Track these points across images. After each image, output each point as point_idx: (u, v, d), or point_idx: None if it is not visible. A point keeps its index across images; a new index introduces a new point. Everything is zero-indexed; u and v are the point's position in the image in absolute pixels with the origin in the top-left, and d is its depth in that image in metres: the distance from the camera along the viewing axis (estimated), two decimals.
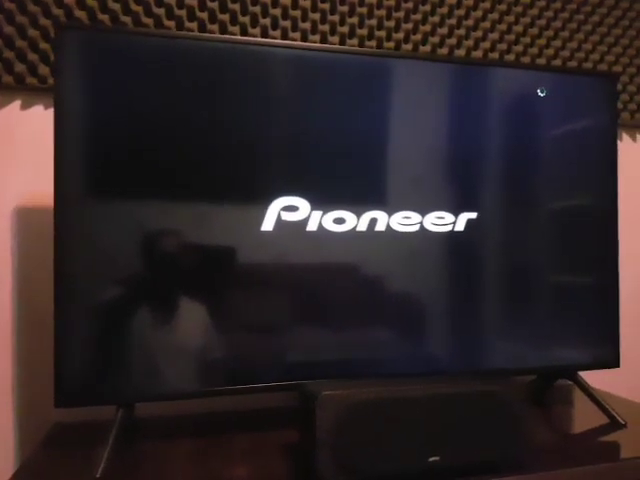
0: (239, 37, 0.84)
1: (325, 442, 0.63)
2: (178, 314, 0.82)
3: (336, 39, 1.11)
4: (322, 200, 0.87)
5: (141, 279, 0.81)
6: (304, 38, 1.09)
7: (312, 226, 0.86)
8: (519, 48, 1.23)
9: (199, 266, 0.83)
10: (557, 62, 1.26)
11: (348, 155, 0.89)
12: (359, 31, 1.13)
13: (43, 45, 0.98)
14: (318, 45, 0.88)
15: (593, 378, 1.02)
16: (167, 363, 0.81)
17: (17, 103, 1.00)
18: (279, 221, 0.85)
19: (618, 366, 1.01)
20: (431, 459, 0.66)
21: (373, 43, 1.14)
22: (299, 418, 0.73)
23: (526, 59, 1.24)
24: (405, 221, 0.91)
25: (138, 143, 0.81)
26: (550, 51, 1.25)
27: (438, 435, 0.67)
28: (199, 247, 0.83)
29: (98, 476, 0.69)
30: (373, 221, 0.89)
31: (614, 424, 0.92)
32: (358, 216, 0.88)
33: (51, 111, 1.01)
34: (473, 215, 0.94)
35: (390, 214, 0.90)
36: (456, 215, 0.93)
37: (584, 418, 0.96)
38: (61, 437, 0.88)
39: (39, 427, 0.98)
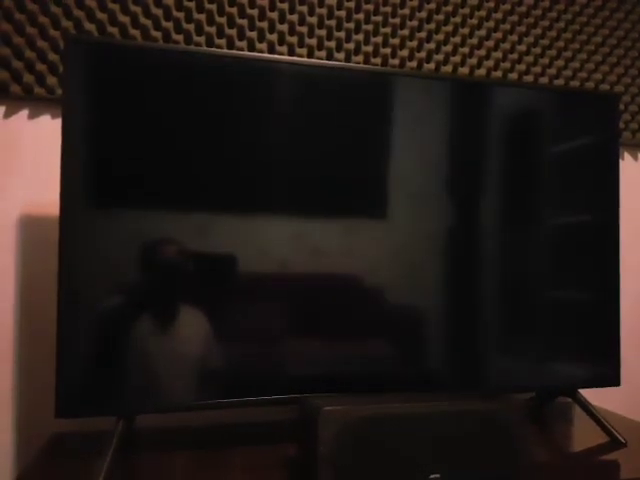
0: (245, 52, 0.85)
1: (327, 458, 0.63)
2: (179, 326, 0.82)
3: (342, 55, 1.13)
4: (321, 212, 0.87)
5: (143, 291, 0.81)
6: (310, 54, 1.11)
7: (314, 238, 0.87)
8: (522, 67, 1.25)
9: (200, 277, 0.83)
10: (559, 81, 1.28)
11: (348, 169, 0.90)
12: (364, 48, 1.14)
13: (52, 56, 0.99)
14: (324, 62, 0.89)
15: (592, 396, 1.02)
16: (168, 375, 0.81)
17: (24, 113, 1.01)
18: (280, 232, 0.85)
19: (619, 384, 1.01)
20: (432, 476, 0.65)
21: (378, 60, 1.15)
22: (299, 433, 0.73)
23: (529, 78, 1.25)
24: (404, 235, 0.91)
25: (143, 154, 0.82)
26: (552, 70, 1.27)
27: (439, 452, 0.67)
28: (201, 258, 0.83)
29: None
30: (372, 234, 0.90)
31: (614, 443, 0.92)
32: (357, 228, 0.89)
33: (58, 121, 1.02)
34: (473, 231, 0.95)
35: (389, 228, 0.90)
36: (455, 231, 0.94)
37: (584, 436, 0.96)
38: (59, 447, 0.88)
39: (38, 437, 0.98)
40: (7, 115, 1.00)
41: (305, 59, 0.88)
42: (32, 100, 1.01)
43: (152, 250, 0.82)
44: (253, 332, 0.86)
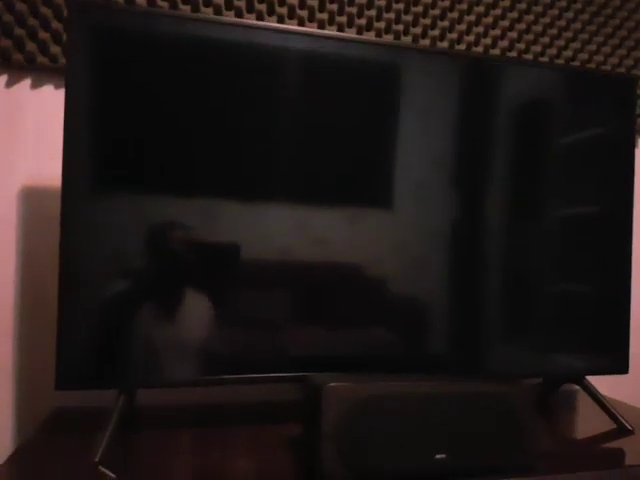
0: (254, 21, 0.83)
1: (330, 436, 0.61)
2: (183, 302, 0.81)
3: (353, 31, 1.10)
4: (327, 197, 0.86)
5: (147, 267, 0.79)
6: (321, 29, 1.08)
7: (318, 226, 0.85)
8: (537, 48, 1.22)
9: (205, 262, 0.82)
10: (575, 64, 1.25)
11: (354, 156, 0.87)
12: (376, 24, 1.11)
13: (55, 24, 0.96)
14: (332, 33, 0.86)
15: (599, 385, 1.00)
16: (170, 350, 0.79)
17: (27, 82, 0.99)
18: (284, 220, 0.84)
19: (627, 372, 1.00)
20: (437, 456, 0.64)
21: (390, 37, 1.12)
22: (302, 411, 0.72)
23: (544, 60, 1.22)
24: (409, 225, 0.89)
25: (148, 132, 0.79)
26: (568, 52, 1.24)
27: (445, 433, 0.65)
28: (206, 246, 0.81)
29: (97, 460, 0.67)
30: (378, 222, 0.88)
31: (621, 430, 0.90)
32: (363, 215, 0.87)
33: (61, 91, 1.00)
34: (480, 222, 0.93)
35: (394, 217, 0.88)
36: (461, 221, 0.92)
37: (590, 423, 0.94)
38: (60, 422, 0.87)
39: (39, 412, 0.98)
40: (9, 84, 0.98)
41: (313, 29, 0.85)
42: (35, 69, 0.99)
43: (158, 233, 0.80)
44: (256, 317, 0.84)
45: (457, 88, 0.93)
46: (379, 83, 0.89)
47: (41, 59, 0.97)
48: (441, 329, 0.91)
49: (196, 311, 0.81)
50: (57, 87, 1.00)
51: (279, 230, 0.83)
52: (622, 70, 1.27)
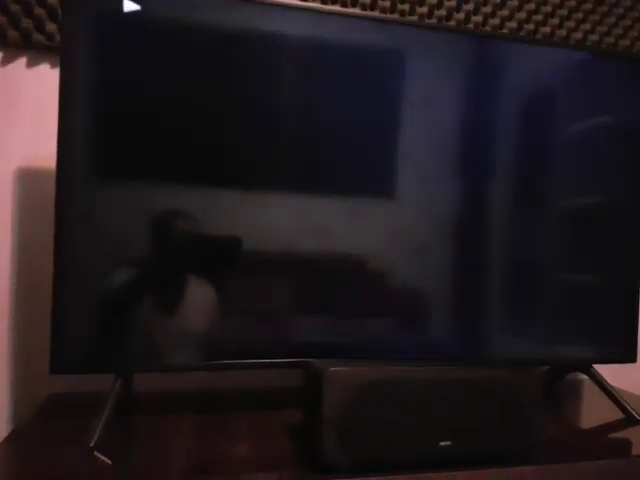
0: None
1: (331, 422, 0.60)
2: (183, 288, 0.79)
3: (357, 10, 1.07)
4: (329, 187, 0.83)
5: (146, 252, 0.77)
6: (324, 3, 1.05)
7: (320, 216, 0.83)
8: (547, 29, 1.18)
9: (205, 246, 0.79)
10: (593, 37, 1.21)
11: (356, 144, 0.85)
12: (381, 3, 1.08)
13: (51, 0, 0.94)
14: (337, 8, 0.83)
15: (606, 375, 0.99)
16: (169, 335, 0.78)
17: (23, 61, 0.96)
18: (286, 209, 0.82)
19: (635, 361, 0.98)
20: (442, 443, 0.62)
21: (396, 16, 1.09)
22: (303, 397, 0.70)
23: (561, 32, 1.19)
24: (412, 215, 0.87)
25: (148, 113, 0.77)
26: (578, 34, 1.20)
27: (450, 419, 0.63)
28: (208, 237, 0.79)
29: (92, 445, 0.66)
30: (381, 211, 0.85)
31: (629, 420, 0.88)
32: (365, 205, 0.85)
33: (58, 70, 0.97)
34: (489, 208, 0.90)
35: (397, 205, 0.86)
36: (471, 208, 0.89)
37: (597, 412, 0.92)
38: (56, 406, 0.85)
39: (35, 396, 0.96)
40: (4, 63, 0.96)
41: (318, 4, 0.83)
42: (30, 48, 0.96)
43: (158, 219, 0.77)
44: (257, 306, 0.82)
45: (463, 71, 0.90)
46: (382, 68, 0.86)
47: (37, 37, 0.94)
48: (444, 318, 0.89)
49: (196, 296, 0.79)
50: (53, 66, 0.98)
51: (281, 219, 0.81)
52: (634, 52, 1.24)
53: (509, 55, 0.92)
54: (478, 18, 1.14)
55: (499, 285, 0.92)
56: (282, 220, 0.82)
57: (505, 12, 1.16)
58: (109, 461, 0.63)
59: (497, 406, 0.66)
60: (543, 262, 0.94)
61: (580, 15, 1.20)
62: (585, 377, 0.98)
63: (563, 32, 1.19)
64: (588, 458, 0.71)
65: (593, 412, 0.93)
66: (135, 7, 0.76)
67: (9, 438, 0.70)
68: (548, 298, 0.94)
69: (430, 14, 1.12)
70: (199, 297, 0.79)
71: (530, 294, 0.93)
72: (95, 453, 0.65)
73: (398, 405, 0.62)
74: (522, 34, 1.17)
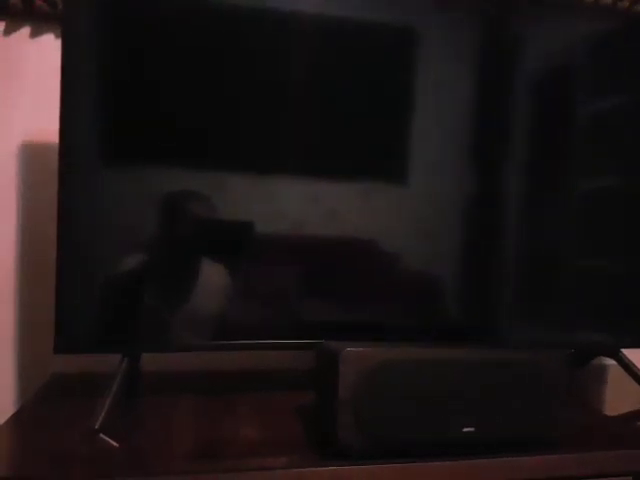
0: None
1: (347, 404, 0.56)
2: (193, 267, 0.76)
3: None
4: (341, 171, 0.80)
5: (154, 232, 0.74)
6: None
7: (331, 200, 0.79)
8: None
9: (216, 230, 0.77)
10: (623, 4, 1.14)
11: (367, 128, 0.81)
12: None
13: None
14: None
15: (634, 358, 0.94)
16: (178, 315, 0.75)
17: (26, 30, 0.93)
18: (296, 193, 0.78)
19: None
20: (465, 429, 0.58)
21: None
22: (316, 378, 0.66)
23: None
24: (425, 200, 0.83)
25: (154, 95, 0.73)
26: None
27: (474, 404, 0.59)
28: (220, 222, 0.76)
29: (97, 427, 0.63)
30: (393, 195, 0.82)
31: None
32: (377, 189, 0.81)
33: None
34: (508, 191, 0.86)
35: (409, 189, 0.83)
36: (490, 190, 0.85)
37: (625, 398, 0.88)
38: (60, 387, 0.83)
39: (41, 377, 0.94)
40: (7, 32, 0.92)
41: None
42: (33, 17, 0.92)
43: (170, 201, 0.74)
44: (268, 288, 0.79)
45: (476, 49, 0.85)
46: (395, 49, 0.82)
47: (40, 3, 0.90)
48: (460, 303, 0.86)
49: (205, 277, 0.76)
50: (58, 36, 0.94)
51: (292, 203, 0.78)
52: None
53: (527, 28, 0.87)
54: None
55: (517, 269, 0.88)
56: (293, 204, 0.79)
57: None
58: (115, 443, 0.61)
59: (521, 390, 0.62)
60: (565, 246, 0.90)
61: None
62: (612, 362, 0.93)
63: None
64: (616, 446, 0.67)
65: (621, 398, 0.89)
66: None
67: (12, 419, 0.68)
68: (571, 282, 0.90)
69: None
70: (209, 278, 0.76)
71: (551, 278, 0.89)
72: (100, 435, 0.62)
73: (419, 387, 0.58)
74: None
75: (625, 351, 0.92)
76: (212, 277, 0.77)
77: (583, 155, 0.90)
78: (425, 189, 0.84)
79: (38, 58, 0.93)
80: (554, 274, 0.89)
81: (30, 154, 0.93)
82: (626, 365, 0.89)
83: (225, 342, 0.76)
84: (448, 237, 0.85)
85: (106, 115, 0.72)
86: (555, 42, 0.88)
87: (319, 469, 0.56)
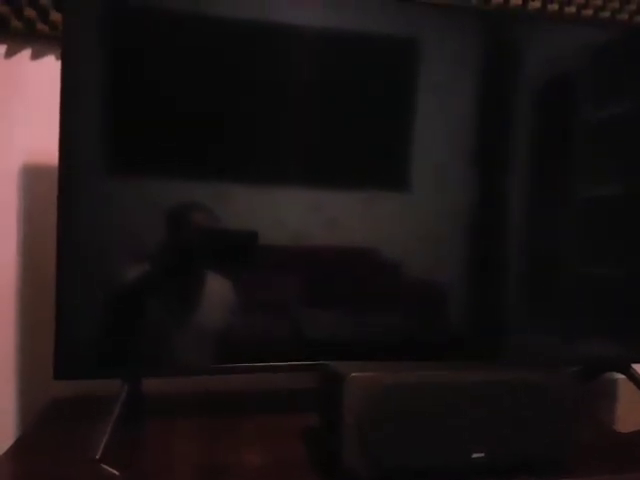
0: None
1: (353, 429, 0.55)
2: (192, 286, 0.75)
3: None
4: (343, 180, 0.80)
5: (154, 250, 0.73)
6: None
7: (332, 210, 0.79)
8: (571, 9, 1.11)
9: (219, 242, 0.76)
10: (623, 16, 1.14)
11: (368, 136, 0.81)
12: None
13: None
14: None
15: None
16: (178, 336, 0.74)
17: (27, 52, 0.93)
18: (298, 203, 0.78)
19: None
20: (475, 455, 0.57)
21: None
22: (320, 402, 0.65)
23: (587, 12, 1.12)
24: (427, 208, 0.82)
25: (155, 105, 0.73)
26: (605, 14, 1.13)
27: (484, 428, 0.58)
28: (221, 232, 0.75)
29: (97, 458, 0.62)
30: (395, 204, 0.81)
31: None
32: (379, 198, 0.81)
33: None
34: (512, 199, 0.86)
35: (411, 198, 0.82)
36: (494, 198, 0.85)
37: (637, 413, 0.86)
38: (61, 412, 0.82)
39: (42, 400, 0.93)
40: (8, 55, 0.92)
41: None
42: (35, 39, 0.92)
43: (159, 205, 0.73)
44: (270, 302, 0.78)
45: (480, 56, 0.84)
46: (395, 56, 0.81)
47: (41, 26, 0.91)
48: (463, 314, 0.85)
49: (207, 296, 0.75)
50: (58, 58, 0.94)
51: (294, 213, 0.78)
52: None
53: (528, 37, 0.87)
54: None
55: (522, 279, 0.86)
56: (295, 214, 0.78)
57: None
58: (116, 472, 0.59)
59: (531, 412, 0.60)
60: (572, 254, 0.88)
61: None
62: (621, 376, 0.91)
63: (589, 11, 1.12)
64: (632, 469, 0.65)
65: (632, 413, 0.87)
66: None
67: (14, 447, 0.67)
68: (580, 293, 0.88)
69: None
70: (212, 293, 0.75)
71: (559, 288, 0.88)
72: (102, 465, 0.61)
73: (426, 412, 0.56)
74: (554, 5, 1.11)
75: (636, 366, 0.91)
76: (216, 292, 0.76)
77: (587, 162, 0.89)
78: (427, 196, 0.83)
79: (40, 79, 0.93)
80: (561, 284, 0.88)
81: (32, 174, 0.93)
82: (637, 380, 0.88)
83: (227, 365, 0.74)
84: (452, 244, 0.84)
85: (107, 133, 0.72)
86: (556, 50, 0.88)
87: None
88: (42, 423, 0.77)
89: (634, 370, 0.89)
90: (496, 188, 0.86)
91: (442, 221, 0.83)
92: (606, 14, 1.14)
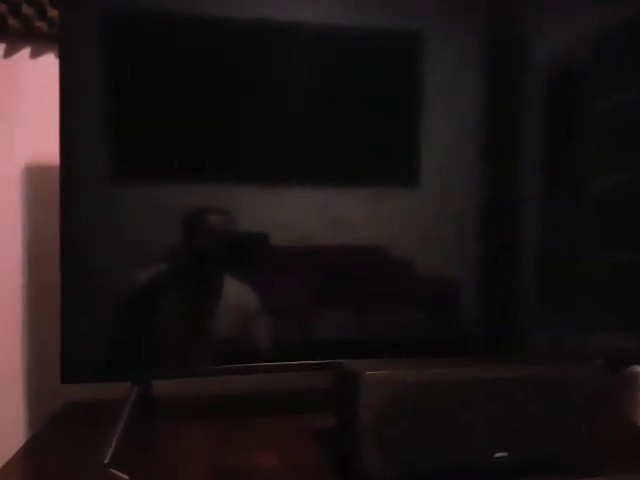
0: None
1: (370, 429, 0.53)
2: (206, 289, 0.74)
3: None
4: (350, 178, 0.79)
5: (163, 251, 0.72)
6: None
7: (341, 209, 0.77)
8: None
9: (231, 245, 0.74)
10: None
11: (375, 133, 0.79)
12: None
13: None
14: None
15: None
16: (188, 337, 0.72)
17: (26, 51, 0.91)
18: (306, 203, 0.76)
19: None
20: (498, 455, 0.55)
21: None
22: (336, 402, 0.63)
23: None
24: (436, 204, 0.81)
25: (157, 106, 0.72)
26: None
27: (506, 427, 0.56)
28: (232, 234, 0.74)
29: (106, 462, 0.60)
30: (403, 201, 0.80)
31: None
32: (387, 195, 0.79)
33: None
34: (523, 193, 0.84)
35: (420, 194, 0.80)
36: (504, 193, 0.83)
37: None
38: (71, 415, 0.81)
39: (51, 404, 0.91)
40: (7, 54, 0.91)
41: None
42: (34, 38, 0.91)
43: (165, 208, 0.72)
44: (283, 302, 0.77)
45: (483, 51, 0.82)
46: (400, 52, 0.80)
47: (39, 24, 0.89)
48: (479, 311, 0.83)
49: (224, 299, 0.73)
50: (57, 56, 0.92)
51: (302, 213, 0.76)
52: None
53: (535, 26, 0.84)
54: None
55: (539, 273, 0.84)
56: (302, 214, 0.76)
57: None
58: (126, 477, 0.58)
59: (555, 409, 0.58)
60: (586, 246, 0.86)
61: None
62: None
63: None
64: None
65: None
66: None
67: (23, 450, 0.66)
68: (599, 285, 0.86)
69: None
70: (227, 299, 0.73)
71: (577, 281, 0.85)
72: (111, 470, 0.59)
73: (446, 410, 0.54)
74: None
75: None
76: (232, 294, 0.74)
77: (595, 153, 0.87)
78: (436, 192, 0.81)
79: (39, 78, 0.91)
80: (580, 276, 0.85)
81: (33, 175, 0.91)
82: None
83: (236, 366, 0.73)
84: (463, 239, 0.82)
85: (107, 133, 0.70)
86: (563, 40, 0.85)
87: None
88: (52, 426, 0.76)
89: None
90: (505, 183, 0.84)
91: (451, 218, 0.81)
92: None
